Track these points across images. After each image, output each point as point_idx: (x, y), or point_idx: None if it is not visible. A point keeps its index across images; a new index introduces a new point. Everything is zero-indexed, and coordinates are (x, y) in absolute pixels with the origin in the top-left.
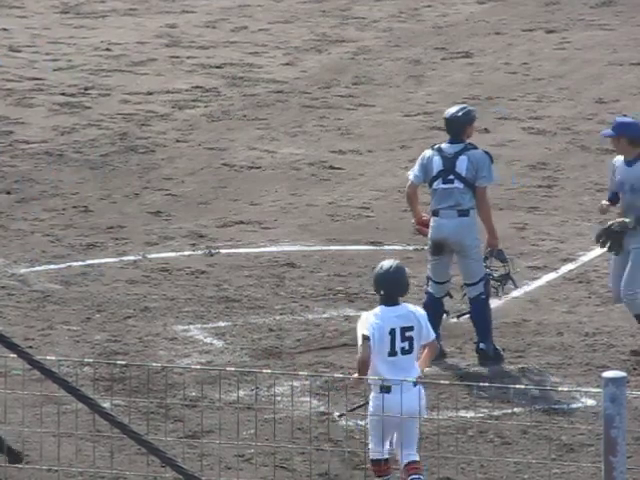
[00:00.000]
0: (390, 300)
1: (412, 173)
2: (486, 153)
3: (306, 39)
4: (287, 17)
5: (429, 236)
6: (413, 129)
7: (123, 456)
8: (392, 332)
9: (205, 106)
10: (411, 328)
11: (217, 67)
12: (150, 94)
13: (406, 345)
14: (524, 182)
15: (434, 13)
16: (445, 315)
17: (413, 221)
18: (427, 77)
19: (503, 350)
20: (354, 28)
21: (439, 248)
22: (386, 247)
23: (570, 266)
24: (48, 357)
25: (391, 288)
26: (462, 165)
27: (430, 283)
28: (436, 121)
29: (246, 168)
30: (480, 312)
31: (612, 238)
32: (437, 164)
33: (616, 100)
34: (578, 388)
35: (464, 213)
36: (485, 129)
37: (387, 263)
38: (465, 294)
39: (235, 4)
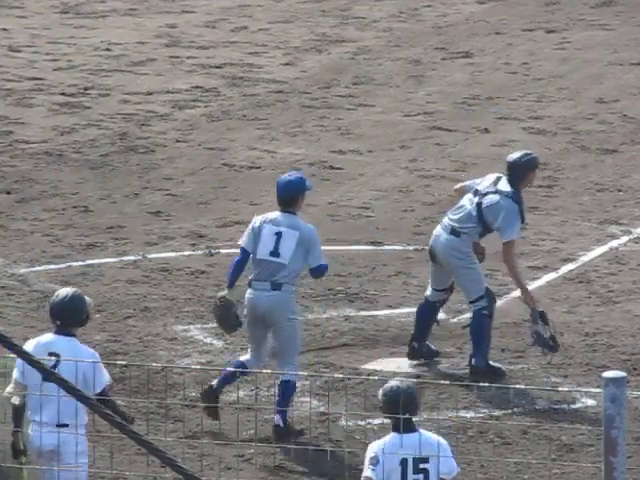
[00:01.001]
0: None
1: (471, 180)
2: (520, 211)
3: (306, 39)
4: (287, 17)
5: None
6: (413, 129)
7: (123, 456)
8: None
9: (205, 106)
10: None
11: (217, 67)
12: (150, 94)
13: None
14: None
15: (434, 13)
16: (436, 324)
17: None
18: (427, 77)
19: (502, 350)
20: (354, 28)
21: (432, 256)
22: (386, 247)
23: (570, 266)
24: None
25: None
26: (490, 201)
27: (428, 286)
28: (436, 121)
29: (246, 168)
30: (477, 326)
31: None
32: (486, 182)
33: (616, 100)
34: (578, 388)
35: (455, 233)
36: (485, 129)
37: (63, 292)
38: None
39: (235, 4)
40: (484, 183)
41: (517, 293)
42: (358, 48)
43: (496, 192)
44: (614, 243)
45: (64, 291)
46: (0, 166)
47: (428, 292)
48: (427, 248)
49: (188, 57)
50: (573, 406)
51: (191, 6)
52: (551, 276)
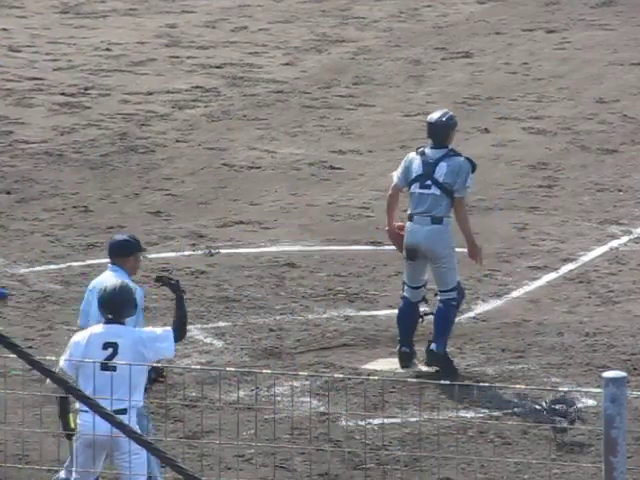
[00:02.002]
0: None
1: (396, 175)
2: (469, 161)
3: (306, 39)
4: (287, 17)
5: (404, 240)
6: (413, 129)
7: None
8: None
9: (205, 106)
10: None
11: (217, 67)
12: (150, 94)
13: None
14: (524, 182)
15: (434, 13)
16: (421, 319)
17: (386, 228)
18: (427, 77)
19: (502, 350)
20: (354, 28)
21: (413, 253)
22: (386, 247)
23: (570, 266)
24: (48, 357)
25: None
26: (441, 171)
27: (405, 287)
28: None
29: (246, 168)
30: (443, 313)
31: None
32: (417, 168)
33: (616, 100)
34: (578, 388)
35: (437, 220)
36: (485, 129)
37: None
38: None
39: (235, 4)
40: (414, 166)
41: (517, 293)
42: (358, 48)
43: (437, 161)
44: (614, 243)
45: (112, 283)
46: (0, 166)
47: (407, 293)
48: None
49: (188, 57)
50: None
51: (191, 6)
52: (551, 276)
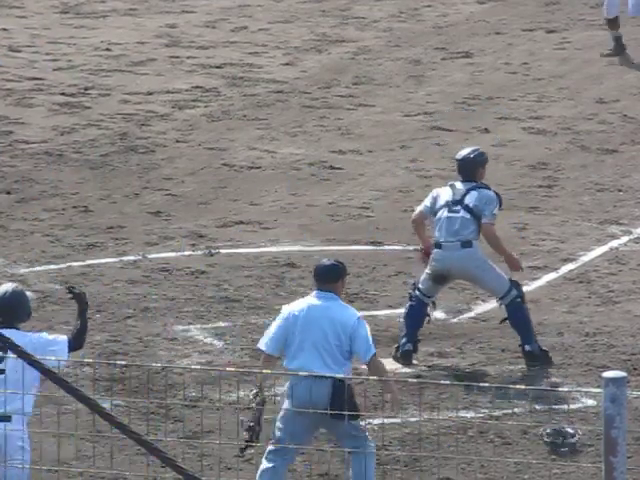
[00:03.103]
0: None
1: (422, 205)
2: (497, 195)
3: (306, 39)
4: (287, 17)
5: (430, 266)
6: (413, 129)
7: (123, 456)
8: None
9: (205, 106)
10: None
11: (217, 67)
12: (150, 94)
13: None
14: (524, 182)
15: (434, 13)
16: (427, 319)
17: (420, 247)
18: (427, 77)
19: (502, 350)
20: (354, 28)
21: (441, 279)
22: (386, 247)
23: (570, 266)
24: (48, 357)
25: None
26: (471, 198)
27: (418, 293)
28: (436, 121)
29: (246, 168)
30: (517, 315)
31: None
32: (446, 196)
33: (616, 100)
34: (578, 388)
35: (467, 244)
36: (485, 129)
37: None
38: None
39: (235, 4)
40: (442, 195)
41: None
42: (358, 48)
43: (467, 191)
44: (614, 243)
45: (3, 288)
46: (0, 166)
47: (419, 294)
48: (427, 271)
49: (188, 57)
50: (573, 406)
51: (191, 6)
52: (551, 276)
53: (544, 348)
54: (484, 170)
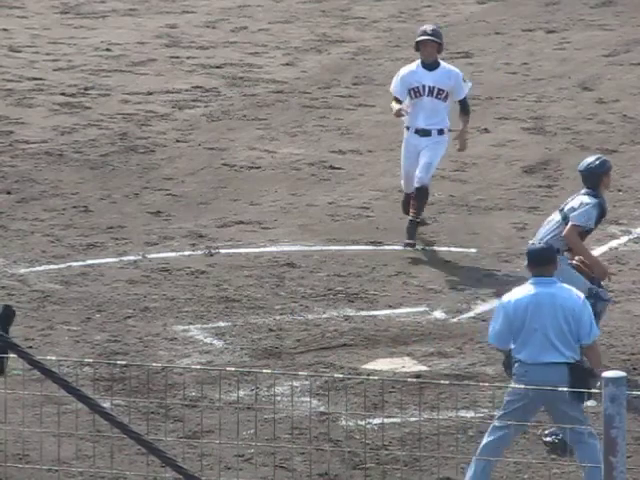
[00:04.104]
0: None
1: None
2: (598, 206)
3: (306, 39)
4: (287, 17)
5: None
6: None
7: (123, 456)
8: None
9: (205, 106)
10: None
11: (217, 67)
12: (150, 94)
13: None
14: (524, 182)
15: (434, 13)
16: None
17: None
18: None
19: None
20: (354, 28)
21: None
22: (386, 247)
23: None
24: (48, 357)
25: None
26: (569, 202)
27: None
28: None
29: (246, 168)
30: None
31: None
32: None
33: (616, 100)
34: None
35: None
36: (485, 129)
37: None
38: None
39: (235, 4)
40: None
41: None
42: (358, 48)
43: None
44: (614, 243)
45: None
46: (0, 166)
47: None
48: (428, 249)
49: (188, 57)
50: None
51: (191, 6)
52: None
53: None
54: (609, 178)
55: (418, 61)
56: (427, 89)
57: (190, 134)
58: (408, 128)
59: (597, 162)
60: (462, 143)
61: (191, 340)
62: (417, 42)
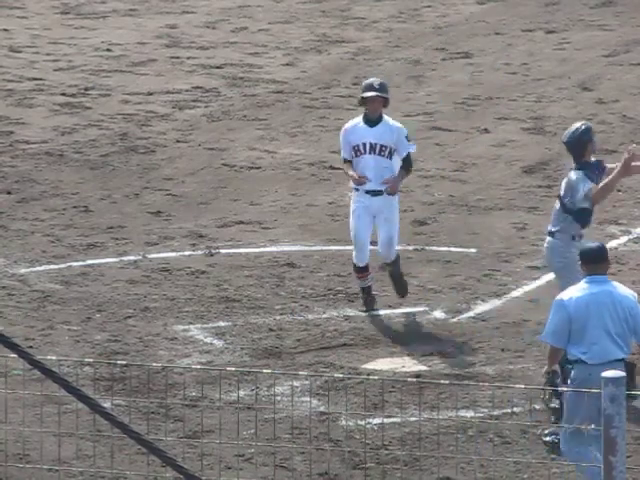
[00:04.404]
0: None
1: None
2: (581, 172)
3: (306, 39)
4: (287, 17)
5: None
6: (413, 129)
7: (123, 456)
8: None
9: (205, 106)
10: None
11: (217, 67)
12: (150, 94)
13: None
14: (524, 182)
15: (434, 13)
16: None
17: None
18: (427, 77)
19: (502, 350)
20: (354, 28)
21: None
22: None
23: None
24: (48, 357)
25: None
26: (562, 186)
27: None
28: (436, 121)
29: (246, 168)
30: None
31: None
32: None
33: (616, 100)
34: (578, 388)
35: (551, 234)
36: (485, 129)
37: None
38: None
39: (235, 4)
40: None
41: (516, 293)
42: (358, 48)
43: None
44: (613, 243)
45: None
46: (0, 166)
47: None
48: (428, 249)
49: (188, 57)
50: None
51: (191, 6)
52: (551, 276)
53: None
54: (592, 143)
55: (361, 116)
56: (368, 146)
57: (190, 134)
58: (357, 189)
59: (581, 129)
60: (393, 187)
61: (191, 340)
62: (363, 97)
